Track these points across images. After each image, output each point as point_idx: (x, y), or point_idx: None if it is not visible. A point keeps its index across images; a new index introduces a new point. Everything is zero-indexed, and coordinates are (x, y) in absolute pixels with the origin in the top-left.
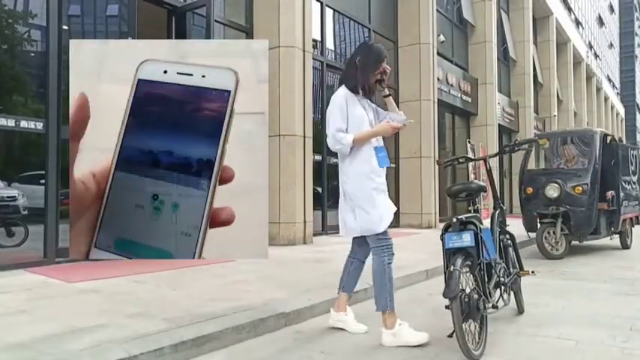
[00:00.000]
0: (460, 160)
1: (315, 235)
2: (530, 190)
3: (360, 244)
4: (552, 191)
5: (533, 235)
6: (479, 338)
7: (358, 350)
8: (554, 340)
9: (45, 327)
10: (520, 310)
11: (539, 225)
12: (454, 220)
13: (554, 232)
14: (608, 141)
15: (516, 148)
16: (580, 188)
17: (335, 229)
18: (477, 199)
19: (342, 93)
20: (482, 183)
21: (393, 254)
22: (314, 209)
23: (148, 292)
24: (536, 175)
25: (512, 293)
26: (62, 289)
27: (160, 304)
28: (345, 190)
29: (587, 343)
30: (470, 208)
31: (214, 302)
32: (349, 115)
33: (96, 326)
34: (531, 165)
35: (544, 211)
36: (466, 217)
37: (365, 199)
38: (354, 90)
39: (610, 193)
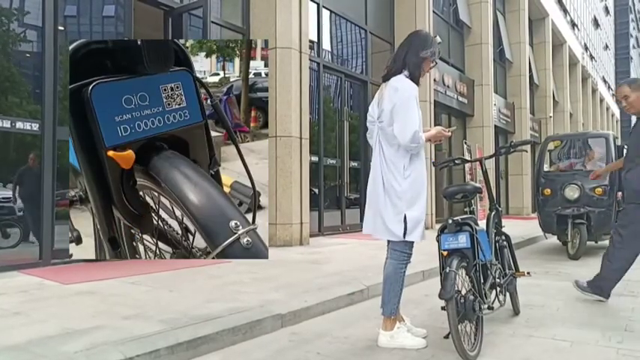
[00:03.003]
0: (456, 162)
1: (311, 236)
2: (548, 191)
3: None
4: (572, 192)
5: (549, 235)
6: (474, 339)
7: (354, 351)
8: (550, 340)
9: (40, 329)
10: (515, 311)
11: (557, 226)
12: (450, 221)
13: (576, 233)
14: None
15: (512, 150)
16: (601, 190)
17: (332, 230)
18: (472, 201)
19: (413, 86)
20: (477, 184)
21: (409, 263)
22: (310, 210)
23: (143, 294)
24: (553, 176)
25: (507, 294)
26: (58, 290)
27: (156, 305)
28: (397, 189)
29: (582, 344)
30: (466, 209)
31: (210, 304)
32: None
33: (92, 328)
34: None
35: (563, 212)
36: (462, 219)
37: (415, 201)
38: (417, 83)
39: (620, 194)
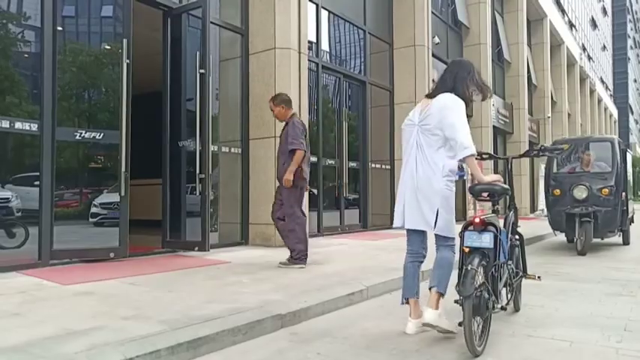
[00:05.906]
0: (484, 157)
1: (310, 236)
2: (557, 191)
3: (423, 243)
4: (580, 192)
5: (559, 233)
6: (481, 335)
7: (354, 352)
8: (549, 340)
9: (40, 330)
10: (516, 308)
11: (566, 224)
12: (477, 220)
13: (583, 230)
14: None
15: (541, 154)
16: (607, 190)
17: (331, 231)
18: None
19: (462, 101)
20: (506, 186)
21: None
22: (309, 211)
23: (143, 295)
24: (563, 177)
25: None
26: (57, 291)
27: (156, 306)
28: (435, 187)
29: (582, 344)
30: (491, 208)
31: (210, 304)
32: None
33: (91, 329)
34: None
35: (572, 211)
36: (487, 218)
37: (448, 200)
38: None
39: (623, 194)
